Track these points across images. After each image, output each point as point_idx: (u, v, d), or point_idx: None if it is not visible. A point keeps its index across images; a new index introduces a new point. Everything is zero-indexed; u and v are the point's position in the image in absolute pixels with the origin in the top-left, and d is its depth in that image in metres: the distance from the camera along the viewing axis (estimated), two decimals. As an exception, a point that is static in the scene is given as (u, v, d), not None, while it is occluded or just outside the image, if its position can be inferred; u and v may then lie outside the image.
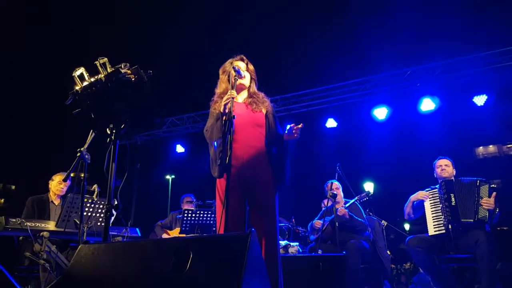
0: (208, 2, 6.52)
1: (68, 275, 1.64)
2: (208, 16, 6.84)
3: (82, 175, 2.92)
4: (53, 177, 4.18)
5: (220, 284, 1.36)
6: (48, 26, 6.64)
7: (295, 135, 2.45)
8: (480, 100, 6.55)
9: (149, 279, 1.49)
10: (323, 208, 4.63)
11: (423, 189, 3.88)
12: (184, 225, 4.47)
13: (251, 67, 2.71)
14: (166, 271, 1.47)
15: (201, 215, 4.51)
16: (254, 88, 2.69)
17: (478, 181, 3.56)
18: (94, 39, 6.52)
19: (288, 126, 2.50)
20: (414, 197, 3.81)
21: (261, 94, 2.68)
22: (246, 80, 2.63)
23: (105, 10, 6.55)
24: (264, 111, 2.58)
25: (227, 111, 2.29)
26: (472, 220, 3.44)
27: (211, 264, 1.44)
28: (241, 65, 2.64)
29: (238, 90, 2.63)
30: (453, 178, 3.78)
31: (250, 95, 2.64)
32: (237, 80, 2.42)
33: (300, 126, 2.45)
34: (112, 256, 1.61)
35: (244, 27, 6.64)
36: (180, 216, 4.68)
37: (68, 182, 4.12)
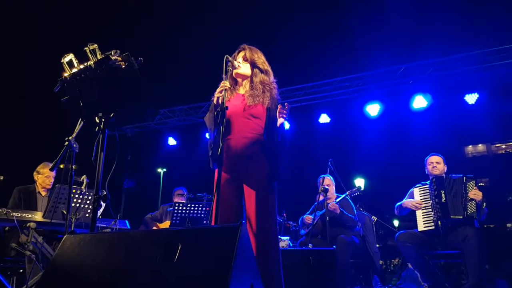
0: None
1: (53, 266, 1.60)
2: (202, 10, 6.78)
3: (71, 165, 2.86)
4: (39, 170, 4.05)
5: (209, 275, 1.34)
6: (35, 15, 6.51)
7: (284, 115, 2.32)
8: (471, 98, 6.60)
9: (137, 270, 1.46)
10: (315, 203, 4.63)
11: (413, 186, 3.89)
12: (174, 218, 4.44)
13: (254, 55, 2.54)
14: (154, 262, 1.44)
15: (192, 208, 4.48)
16: (259, 77, 2.50)
17: (464, 178, 3.57)
18: (81, 28, 6.41)
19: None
20: (406, 204, 3.76)
21: (262, 86, 2.49)
22: (243, 69, 2.52)
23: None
24: (266, 102, 2.44)
25: (220, 101, 2.26)
26: (461, 217, 3.46)
27: (200, 255, 1.41)
28: (240, 55, 2.57)
29: (238, 80, 2.57)
30: (443, 175, 3.79)
31: (252, 86, 2.50)
32: (228, 71, 2.37)
33: (286, 107, 2.31)
34: (98, 246, 1.58)
35: (237, 20, 6.60)
36: (171, 209, 4.64)
37: (54, 172, 4.03)
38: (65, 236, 1.69)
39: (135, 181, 9.20)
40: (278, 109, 2.32)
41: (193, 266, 1.38)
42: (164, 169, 9.36)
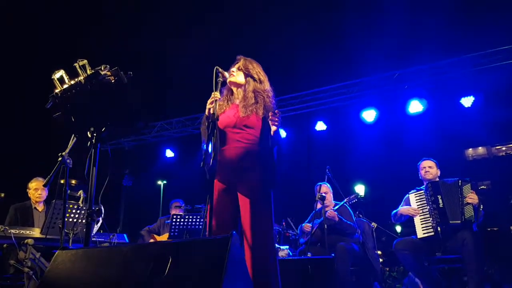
0: (195, 5, 6.52)
1: (45, 282, 1.59)
2: (195, 21, 6.84)
3: (72, 181, 2.86)
4: (29, 185, 4.09)
5: (199, 288, 1.33)
6: (29, 30, 6.55)
7: (276, 123, 2.32)
8: (467, 101, 6.62)
9: (128, 285, 1.45)
10: (314, 211, 4.62)
11: (409, 191, 3.87)
12: (172, 230, 4.43)
13: (248, 64, 2.55)
14: (145, 276, 1.44)
15: (190, 220, 4.47)
16: (252, 85, 2.50)
17: (460, 181, 3.53)
18: (77, 42, 6.44)
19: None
20: (403, 211, 3.73)
21: (255, 95, 2.48)
22: (236, 78, 2.53)
23: (88, 12, 6.48)
24: (259, 112, 2.45)
25: (211, 112, 2.27)
26: (459, 221, 3.42)
27: (191, 268, 1.41)
28: (236, 65, 2.57)
29: (233, 89, 2.58)
30: (437, 179, 3.77)
31: (244, 96, 2.50)
32: (219, 82, 2.38)
33: (277, 114, 2.31)
34: (90, 261, 1.57)
35: (230, 29, 6.65)
36: (169, 221, 4.63)
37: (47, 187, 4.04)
38: (57, 252, 1.69)
39: (133, 179, 9.18)
40: (269, 117, 2.32)
41: (183, 279, 1.38)
42: (164, 181, 9.34)
